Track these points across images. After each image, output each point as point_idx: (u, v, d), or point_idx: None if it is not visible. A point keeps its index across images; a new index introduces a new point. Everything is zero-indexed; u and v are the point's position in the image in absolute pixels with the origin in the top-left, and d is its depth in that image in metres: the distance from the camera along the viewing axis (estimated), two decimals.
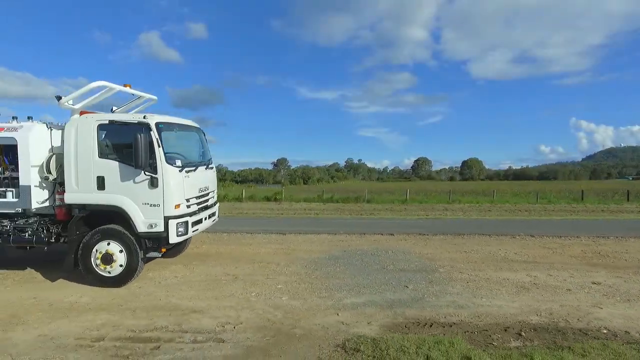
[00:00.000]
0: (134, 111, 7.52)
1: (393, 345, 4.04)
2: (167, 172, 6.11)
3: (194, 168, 6.72)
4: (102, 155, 6.19)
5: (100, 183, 6.15)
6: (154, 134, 6.04)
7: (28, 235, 6.51)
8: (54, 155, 6.54)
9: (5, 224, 6.56)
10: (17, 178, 6.59)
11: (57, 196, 6.54)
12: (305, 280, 6.57)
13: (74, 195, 6.23)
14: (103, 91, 6.61)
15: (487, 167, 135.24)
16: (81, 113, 6.47)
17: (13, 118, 6.61)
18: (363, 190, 29.02)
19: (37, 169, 6.39)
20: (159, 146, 6.07)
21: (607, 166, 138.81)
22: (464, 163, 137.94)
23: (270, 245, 9.38)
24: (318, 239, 10.15)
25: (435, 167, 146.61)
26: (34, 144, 6.34)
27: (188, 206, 6.48)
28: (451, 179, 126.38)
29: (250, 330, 4.62)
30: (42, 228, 6.54)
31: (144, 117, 6.14)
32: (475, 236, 10.54)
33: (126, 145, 6.29)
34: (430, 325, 4.76)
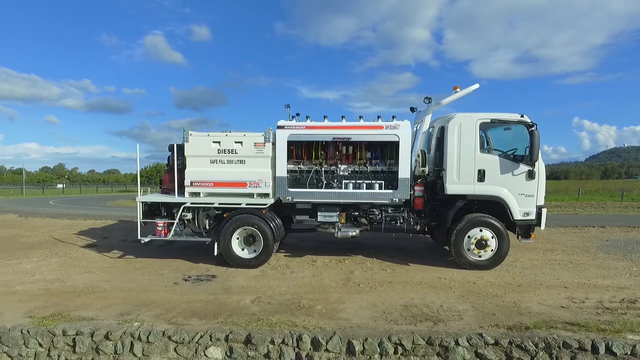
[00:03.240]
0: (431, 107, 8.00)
1: None
2: (542, 165, 6.84)
3: None
4: (483, 150, 6.88)
5: (481, 175, 6.84)
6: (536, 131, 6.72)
7: (399, 223, 7.19)
8: (423, 151, 7.26)
9: (377, 213, 7.24)
10: (379, 172, 7.30)
11: (416, 188, 7.22)
12: None
13: (455, 186, 6.91)
14: (459, 92, 7.32)
15: None
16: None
17: (377, 117, 7.27)
18: None
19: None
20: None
21: (615, 166, 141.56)
22: None
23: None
24: (547, 232, 10.91)
25: None
26: (411, 140, 7.03)
27: None
28: None
29: None
30: (410, 217, 7.21)
31: (522, 116, 6.85)
32: None
33: (504, 141, 7.04)
34: None
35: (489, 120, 6.87)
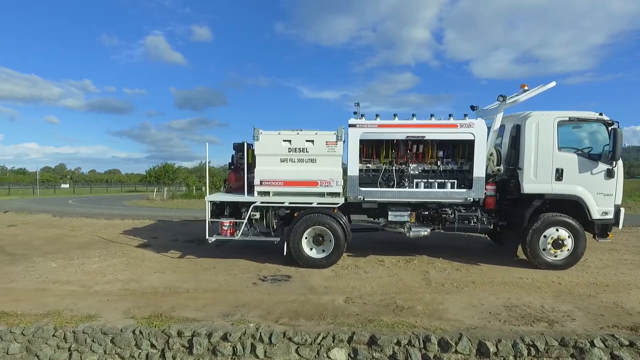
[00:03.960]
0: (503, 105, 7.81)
1: None
2: (620, 163, 6.77)
3: None
4: (561, 148, 6.80)
5: (559, 174, 6.76)
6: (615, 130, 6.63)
7: (473, 223, 7.10)
8: (497, 150, 7.19)
9: (449, 212, 7.15)
10: (450, 171, 7.21)
11: (488, 187, 7.13)
12: None
13: (532, 185, 6.82)
14: (531, 90, 7.24)
15: None
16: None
17: (449, 115, 7.18)
18: None
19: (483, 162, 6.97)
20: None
21: None
22: None
23: None
24: None
25: None
26: (486, 139, 6.94)
27: None
28: None
29: None
30: (483, 216, 7.13)
31: (600, 114, 6.78)
32: None
33: (582, 139, 6.97)
34: None
35: (566, 119, 6.79)
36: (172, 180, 58.55)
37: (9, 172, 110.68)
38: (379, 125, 7.07)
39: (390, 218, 7.22)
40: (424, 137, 6.97)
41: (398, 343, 4.04)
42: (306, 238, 7.19)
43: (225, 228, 7.35)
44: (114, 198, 33.59)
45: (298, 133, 7.11)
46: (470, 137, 6.87)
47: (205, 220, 7.38)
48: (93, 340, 4.33)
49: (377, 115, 7.26)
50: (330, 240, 7.15)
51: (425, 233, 7.15)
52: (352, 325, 4.43)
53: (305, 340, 4.12)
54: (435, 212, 7.28)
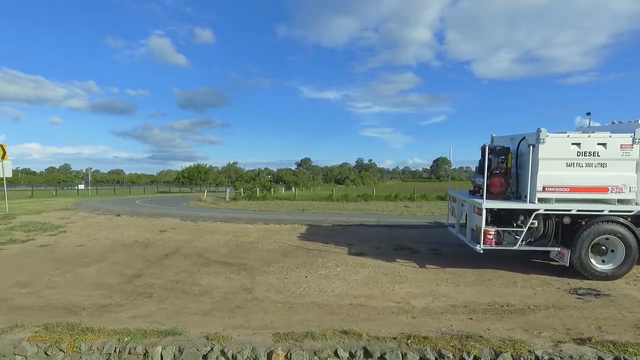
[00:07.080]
0: None
1: None
2: None
3: None
4: None
5: None
6: None
7: None
8: None
9: None
10: None
11: None
12: None
13: None
14: None
15: None
16: None
17: None
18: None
19: None
20: None
21: None
22: None
23: None
24: None
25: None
26: None
27: None
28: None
29: None
30: None
31: None
32: None
33: None
34: None
35: None
36: (203, 180, 58.20)
37: (20, 172, 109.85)
38: None
39: None
40: None
41: None
42: (589, 248, 6.72)
43: (490, 237, 6.90)
44: (167, 199, 33.05)
45: (589, 135, 6.62)
46: None
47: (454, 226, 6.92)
48: None
49: None
50: (613, 251, 6.70)
51: None
52: None
53: None
54: None
